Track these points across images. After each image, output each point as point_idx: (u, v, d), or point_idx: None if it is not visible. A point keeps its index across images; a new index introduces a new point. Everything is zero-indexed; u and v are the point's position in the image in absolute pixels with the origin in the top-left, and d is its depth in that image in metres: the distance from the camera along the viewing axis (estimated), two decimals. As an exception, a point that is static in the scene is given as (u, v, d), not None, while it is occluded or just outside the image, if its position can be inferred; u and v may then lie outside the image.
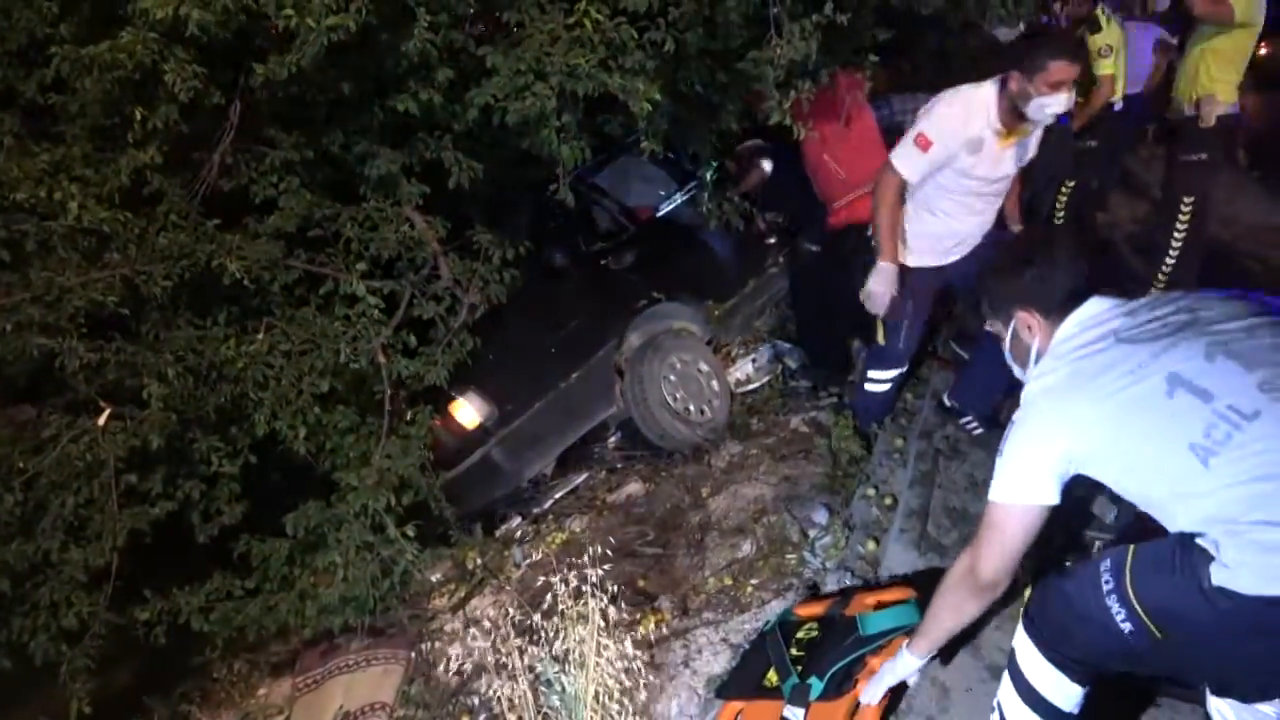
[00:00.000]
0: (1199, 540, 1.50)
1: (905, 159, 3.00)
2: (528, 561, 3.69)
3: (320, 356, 3.19)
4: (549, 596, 2.48)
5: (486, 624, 3.18)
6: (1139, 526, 1.74)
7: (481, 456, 3.80)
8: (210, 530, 3.18)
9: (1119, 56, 4.66)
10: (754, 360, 4.78)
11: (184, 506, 3.12)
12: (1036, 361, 1.81)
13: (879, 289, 3.13)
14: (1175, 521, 1.55)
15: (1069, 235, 2.08)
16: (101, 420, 2.84)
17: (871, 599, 2.43)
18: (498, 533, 4.05)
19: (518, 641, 2.49)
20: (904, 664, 2.01)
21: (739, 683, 2.43)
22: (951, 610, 1.87)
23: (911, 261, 3.20)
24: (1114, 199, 5.98)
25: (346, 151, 3.29)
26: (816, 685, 2.19)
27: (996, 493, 1.73)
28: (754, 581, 3.02)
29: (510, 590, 3.43)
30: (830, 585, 2.84)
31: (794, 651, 2.34)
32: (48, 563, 2.84)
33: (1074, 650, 1.69)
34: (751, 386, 4.62)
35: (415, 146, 3.27)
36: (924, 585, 2.50)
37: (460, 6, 2.92)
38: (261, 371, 3.10)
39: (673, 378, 4.14)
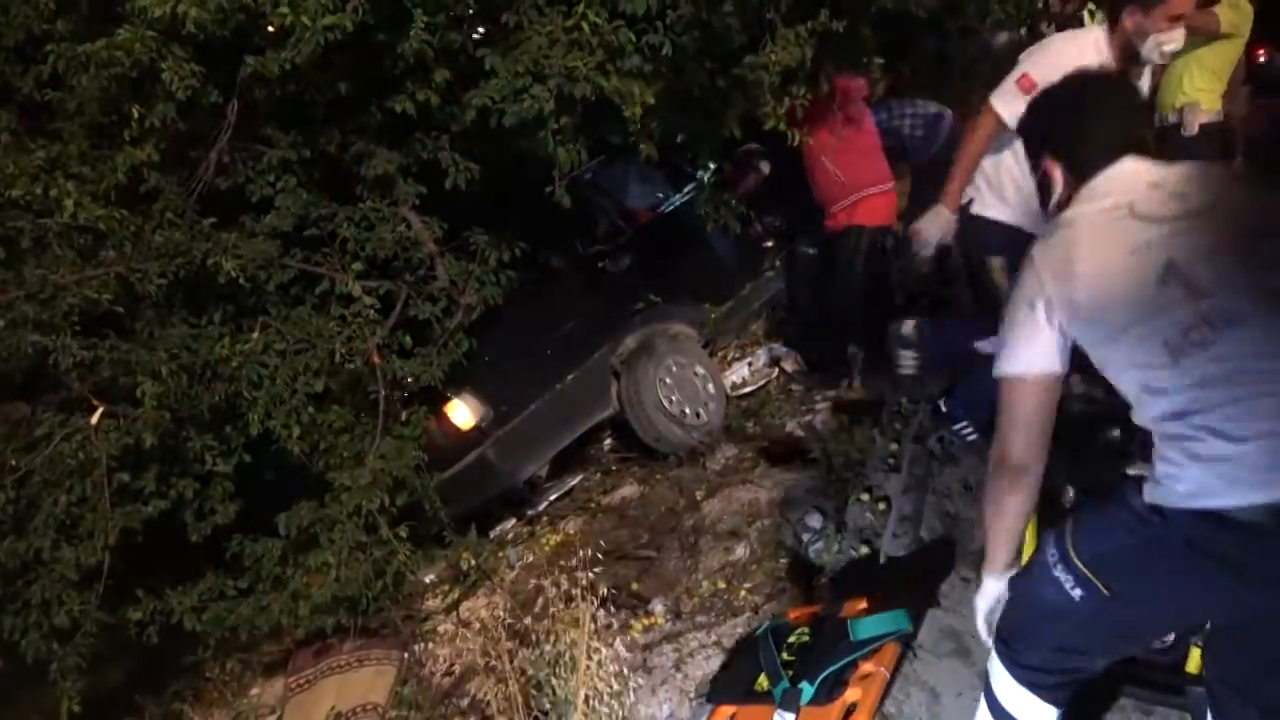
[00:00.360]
0: (1130, 470, 1.51)
1: (1005, 100, 2.76)
2: (522, 563, 3.69)
3: (315, 356, 3.19)
4: (540, 599, 2.48)
5: (479, 625, 3.18)
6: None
7: (477, 457, 3.79)
8: (204, 529, 3.17)
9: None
10: (750, 363, 4.78)
11: (177, 505, 3.12)
12: (1055, 214, 1.70)
13: (929, 232, 2.99)
14: (1137, 414, 1.52)
15: (1119, 89, 1.92)
16: (95, 418, 2.84)
17: (862, 603, 2.43)
18: (492, 534, 4.05)
19: (509, 644, 2.49)
20: (987, 590, 1.85)
21: (730, 687, 2.43)
22: (994, 508, 1.75)
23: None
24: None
25: (344, 151, 3.30)
26: (807, 690, 2.19)
27: (1000, 367, 1.66)
28: (747, 585, 3.02)
29: (504, 592, 3.43)
30: (821, 589, 2.84)
31: (785, 656, 2.34)
32: (39, 561, 2.84)
33: (1041, 652, 1.66)
34: (747, 389, 4.62)
35: (412, 147, 3.27)
36: (918, 589, 2.50)
37: (458, 7, 2.92)
38: (256, 370, 3.09)
39: (668, 380, 4.13)
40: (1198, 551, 1.42)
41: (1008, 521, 1.74)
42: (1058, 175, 1.71)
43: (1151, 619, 1.62)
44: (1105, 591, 1.52)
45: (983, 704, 1.78)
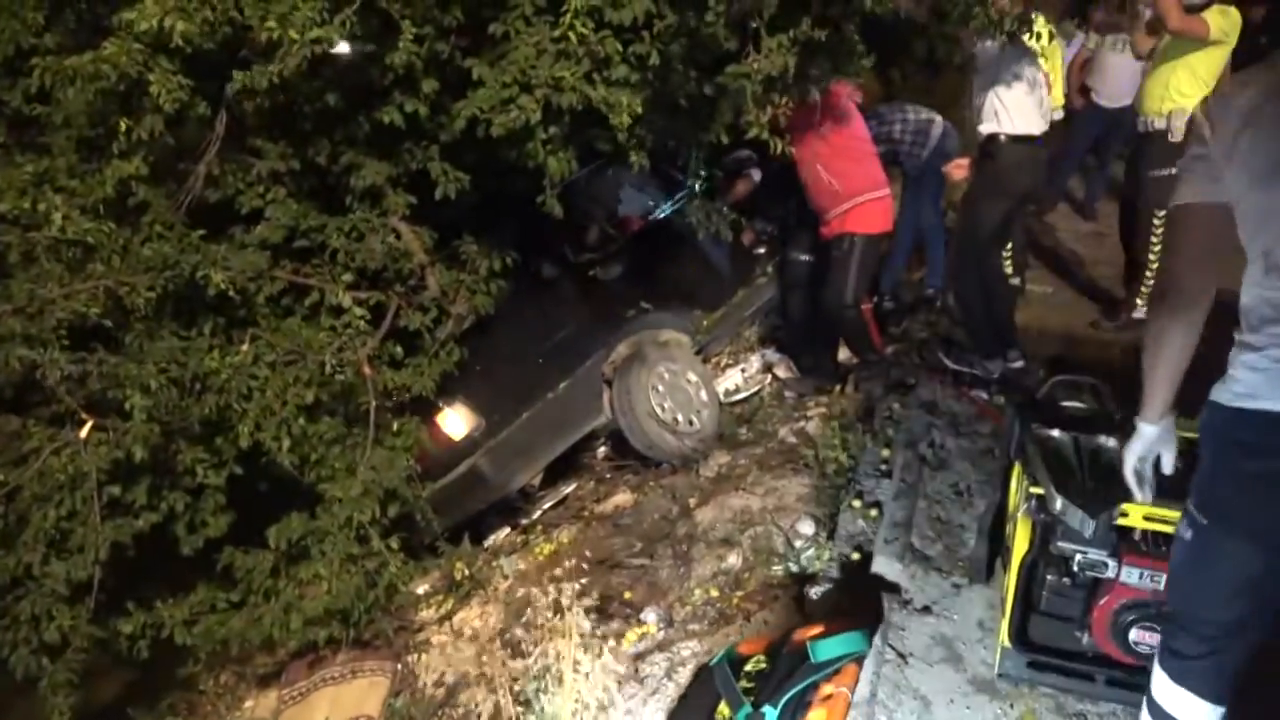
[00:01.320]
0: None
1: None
2: (515, 572, 3.68)
3: (305, 367, 3.17)
4: (529, 610, 2.47)
5: (472, 636, 3.17)
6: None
7: (469, 467, 3.79)
8: (195, 542, 3.16)
9: (1055, 57, 4.54)
10: (743, 370, 4.78)
11: (168, 518, 3.10)
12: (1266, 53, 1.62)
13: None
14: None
15: None
16: (84, 432, 2.83)
17: (817, 629, 2.44)
18: (486, 543, 4.04)
19: (501, 655, 2.48)
20: (1141, 435, 1.75)
21: (689, 718, 2.43)
22: (1153, 343, 1.67)
23: None
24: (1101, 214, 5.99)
25: (333, 162, 3.29)
26: (770, 713, 2.21)
27: (1171, 200, 1.64)
28: (739, 593, 3.02)
29: (497, 602, 3.42)
30: (814, 596, 2.83)
31: (744, 684, 2.36)
32: (29, 575, 2.82)
33: (1190, 630, 1.66)
34: (740, 396, 4.62)
35: (402, 157, 3.27)
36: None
37: (445, 19, 2.92)
38: (246, 383, 3.07)
39: (661, 388, 4.13)
40: (1243, 451, 1.50)
41: (1165, 355, 1.66)
42: None
43: (1239, 545, 1.58)
44: (1204, 521, 1.58)
45: (1144, 710, 1.77)
